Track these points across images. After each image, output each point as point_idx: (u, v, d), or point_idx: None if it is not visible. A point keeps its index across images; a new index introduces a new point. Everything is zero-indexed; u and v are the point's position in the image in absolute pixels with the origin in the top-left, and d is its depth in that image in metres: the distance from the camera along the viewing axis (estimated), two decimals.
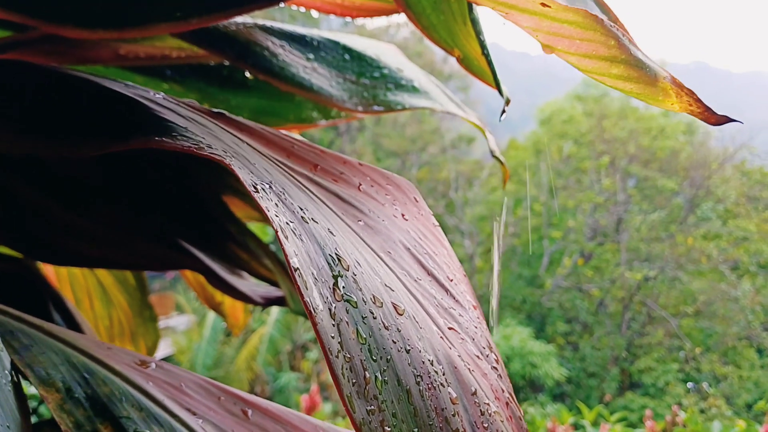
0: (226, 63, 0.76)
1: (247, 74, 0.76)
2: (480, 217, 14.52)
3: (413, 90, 0.73)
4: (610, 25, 0.34)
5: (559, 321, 13.50)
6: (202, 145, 0.35)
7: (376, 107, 0.70)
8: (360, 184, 0.46)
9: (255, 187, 0.33)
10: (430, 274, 0.42)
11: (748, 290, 13.81)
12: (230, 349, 8.75)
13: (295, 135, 1.05)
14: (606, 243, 14.37)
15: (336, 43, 0.73)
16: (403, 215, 0.46)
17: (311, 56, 0.70)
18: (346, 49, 0.73)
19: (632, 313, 13.98)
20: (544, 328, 13.61)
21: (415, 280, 0.40)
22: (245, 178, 0.33)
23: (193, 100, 0.48)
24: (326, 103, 0.68)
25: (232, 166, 0.33)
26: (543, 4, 0.33)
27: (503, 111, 0.62)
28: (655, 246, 14.05)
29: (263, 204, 0.32)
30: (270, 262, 0.88)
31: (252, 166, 0.37)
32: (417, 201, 0.49)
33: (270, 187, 0.35)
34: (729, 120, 0.41)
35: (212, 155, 0.33)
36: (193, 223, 0.85)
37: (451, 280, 0.43)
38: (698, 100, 0.39)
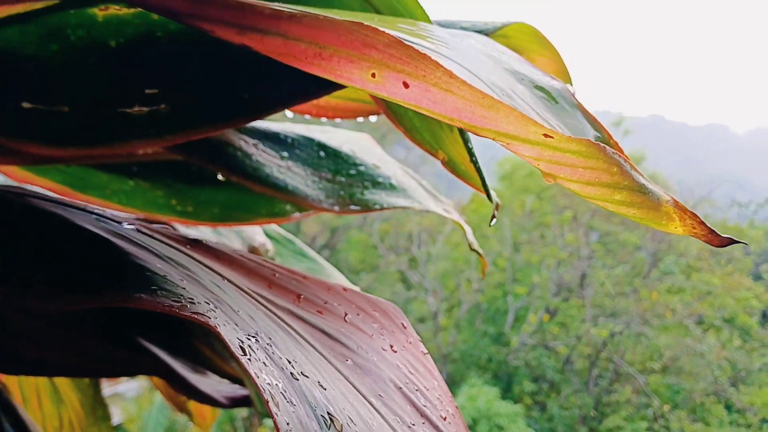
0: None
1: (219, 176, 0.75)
2: (443, 273, 14.57)
3: (390, 188, 0.73)
4: (612, 153, 0.34)
5: (526, 380, 13.46)
6: (183, 301, 0.33)
7: (353, 207, 0.69)
8: (346, 314, 0.44)
9: (242, 349, 0.31)
10: (423, 415, 0.41)
11: (714, 345, 14.03)
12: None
13: (279, 227, 1.04)
14: (571, 298, 14.51)
15: (311, 140, 0.72)
16: (391, 346, 0.44)
17: (285, 154, 0.69)
18: (322, 146, 0.73)
19: (599, 370, 14.05)
20: (511, 387, 13.55)
21: (409, 427, 0.39)
22: (231, 339, 0.31)
23: (168, 227, 0.47)
24: (302, 203, 0.68)
25: (218, 329, 0.31)
26: (546, 135, 0.33)
27: (493, 216, 0.62)
28: (619, 301, 14.24)
29: (251, 370, 0.30)
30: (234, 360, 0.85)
31: (236, 315, 0.35)
32: (405, 327, 0.48)
33: (256, 340, 0.34)
34: (733, 242, 0.42)
35: (195, 316, 0.32)
36: (155, 318, 0.82)
37: (445, 419, 0.42)
38: (701, 223, 0.39)
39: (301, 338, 0.39)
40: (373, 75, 0.33)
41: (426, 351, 0.47)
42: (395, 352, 0.44)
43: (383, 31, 0.31)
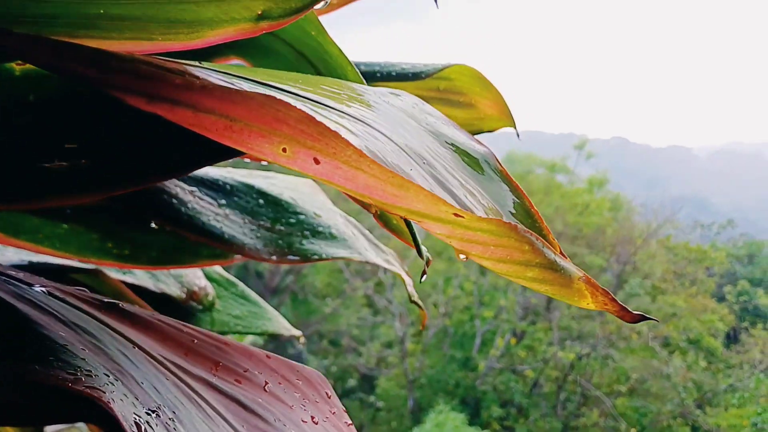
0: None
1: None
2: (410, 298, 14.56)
3: (331, 237, 0.73)
4: (524, 231, 0.34)
5: (494, 405, 13.46)
6: (79, 374, 0.32)
7: (291, 257, 0.68)
8: (266, 383, 0.44)
9: (137, 426, 0.30)
10: None
11: (680, 367, 14.22)
12: None
13: (221, 268, 1.03)
14: (538, 322, 14.60)
15: (251, 187, 0.72)
16: (312, 418, 0.43)
17: (223, 202, 0.68)
18: (262, 194, 0.72)
19: (567, 393, 14.12)
20: (479, 412, 13.54)
21: None
22: (126, 416, 0.30)
23: (83, 290, 0.46)
24: (238, 252, 0.67)
25: (111, 404, 0.30)
26: (456, 215, 0.33)
27: (424, 272, 0.62)
28: (586, 323, 14.37)
29: None
30: None
31: (139, 387, 0.34)
32: (329, 397, 0.48)
33: (158, 415, 0.33)
34: (643, 318, 0.42)
35: (88, 391, 0.31)
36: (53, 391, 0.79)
37: None
38: (613, 300, 0.40)
39: (213, 411, 0.38)
40: (284, 150, 0.33)
41: (350, 422, 0.47)
42: (316, 423, 0.43)
43: (294, 107, 0.31)
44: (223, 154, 0.46)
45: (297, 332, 1.05)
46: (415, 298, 0.75)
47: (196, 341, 0.44)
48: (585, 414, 13.74)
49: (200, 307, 0.89)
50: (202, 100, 0.32)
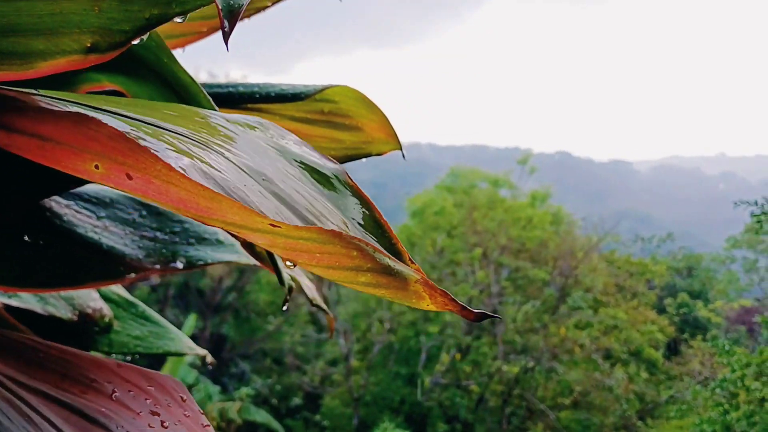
0: None
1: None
2: (354, 314, 14.53)
3: (217, 243, 0.73)
4: (351, 238, 0.35)
5: (439, 421, 13.50)
6: None
7: (175, 264, 0.68)
8: (114, 392, 0.43)
9: None
10: None
11: (621, 378, 14.53)
12: None
13: (122, 288, 1.01)
14: (483, 336, 14.74)
15: (131, 199, 0.71)
16: (162, 423, 0.44)
17: (103, 214, 0.68)
18: (144, 205, 0.72)
19: (512, 407, 14.26)
20: (424, 429, 13.56)
21: None
22: None
23: None
24: (119, 263, 0.66)
25: None
26: (272, 225, 0.34)
27: (286, 299, 0.63)
28: (530, 337, 14.56)
29: None
30: None
31: None
32: (184, 401, 0.48)
33: None
34: (487, 316, 0.44)
35: None
36: None
37: None
38: (453, 300, 0.41)
39: (49, 424, 0.38)
40: (97, 167, 0.33)
41: (207, 423, 0.47)
42: (165, 428, 0.43)
43: (106, 124, 0.31)
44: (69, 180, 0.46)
45: (202, 351, 1.04)
46: (318, 302, 0.76)
47: (41, 354, 0.44)
48: (530, 428, 13.90)
49: (97, 328, 0.87)
50: (14, 120, 0.33)
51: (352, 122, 0.75)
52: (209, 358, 1.11)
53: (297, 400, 15.21)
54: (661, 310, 20.91)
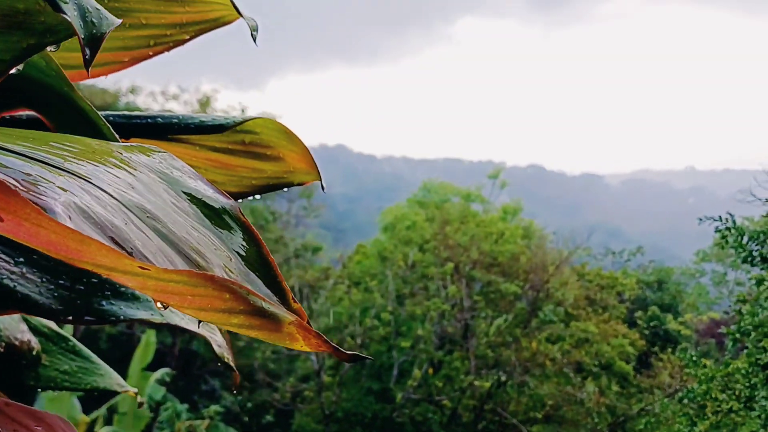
0: None
1: None
2: (326, 330, 14.45)
3: (132, 298, 0.71)
4: (223, 280, 0.35)
5: None
6: None
7: (88, 317, 0.67)
8: None
9: None
10: None
11: (593, 392, 14.64)
12: None
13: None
14: (455, 351, 14.75)
15: None
16: None
17: (21, 260, 0.66)
18: None
19: (485, 422, 14.28)
20: None
21: None
22: None
23: None
24: (34, 312, 0.65)
25: None
26: (142, 267, 0.33)
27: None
28: (502, 351, 14.61)
29: None
30: None
31: None
32: None
33: None
34: (360, 358, 0.44)
35: None
36: None
37: None
38: (326, 342, 0.42)
39: None
40: None
41: None
42: None
43: None
44: None
45: (132, 390, 1.02)
46: (227, 359, 0.74)
47: None
48: None
49: (24, 361, 0.85)
50: None
51: (274, 152, 0.76)
52: (140, 399, 1.09)
53: (269, 418, 15.08)
54: (632, 324, 21.13)
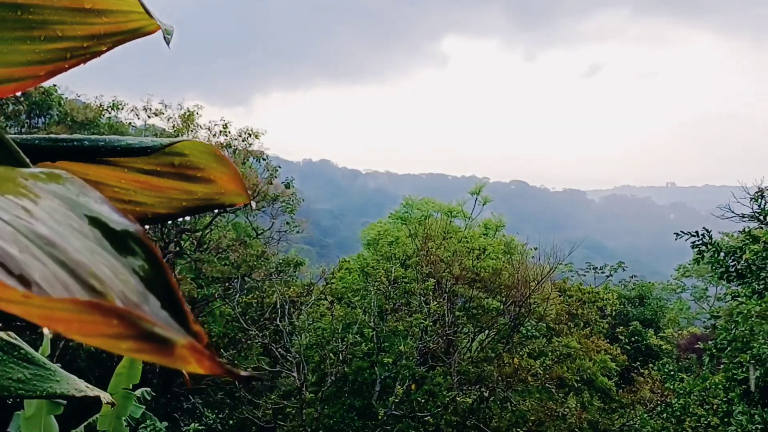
0: None
1: None
2: (308, 345, 14.38)
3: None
4: (110, 307, 0.35)
5: None
6: None
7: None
8: None
9: None
10: None
11: (574, 407, 14.65)
12: None
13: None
14: (437, 367, 14.72)
15: None
16: None
17: None
18: None
19: None
20: None
21: None
22: None
23: None
24: None
25: None
26: (25, 296, 0.33)
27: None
28: (484, 367, 14.59)
29: None
30: None
31: None
32: None
33: None
34: (255, 379, 0.45)
35: None
36: None
37: None
38: (219, 363, 0.42)
39: None
40: None
41: None
42: None
43: None
44: None
45: (93, 393, 1.01)
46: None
47: None
48: None
49: None
50: None
51: (204, 174, 0.77)
52: (107, 398, 1.08)
53: None
54: (614, 339, 21.22)
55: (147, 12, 0.72)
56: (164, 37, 0.73)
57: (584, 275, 27.25)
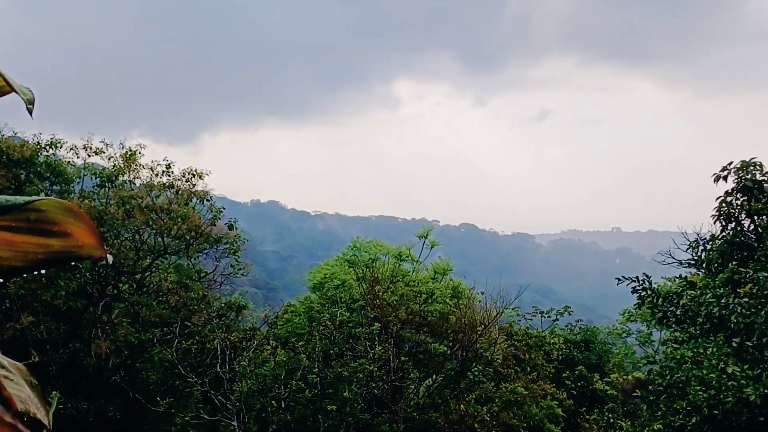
0: None
1: None
2: (249, 392, 14.04)
3: None
4: None
5: None
6: None
7: None
8: None
9: None
10: None
11: None
12: None
13: None
14: (383, 414, 14.53)
15: None
16: None
17: None
18: None
19: None
20: None
21: None
22: None
23: None
24: None
25: None
26: None
27: None
28: (431, 414, 14.48)
29: None
30: None
31: None
32: None
33: None
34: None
35: None
36: None
37: None
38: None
39: None
40: None
41: None
42: None
43: None
44: None
45: None
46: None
47: None
48: None
49: None
50: None
51: (61, 229, 0.81)
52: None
53: None
54: (560, 383, 21.32)
55: (3, 77, 0.74)
56: (27, 108, 0.78)
57: (531, 319, 27.47)
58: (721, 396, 5.87)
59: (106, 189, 17.57)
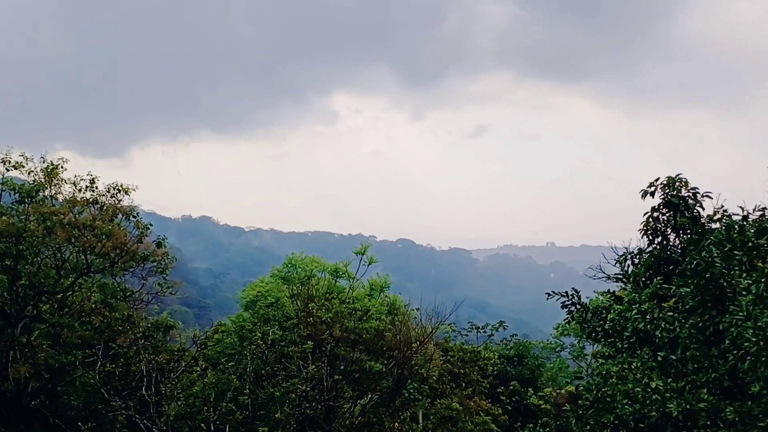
0: None
1: None
2: (177, 416, 13.69)
3: None
4: None
5: None
6: None
7: None
8: None
9: None
10: None
11: None
12: None
13: None
14: None
15: None
16: None
17: None
18: None
19: None
20: None
21: None
22: None
23: None
24: None
25: None
26: None
27: None
28: None
29: None
30: None
31: None
32: None
33: None
34: None
35: None
36: None
37: None
38: None
39: None
40: None
41: None
42: None
43: None
44: None
45: None
46: None
47: None
48: None
49: None
50: None
51: None
52: None
53: None
54: (495, 398, 21.57)
55: None
56: None
57: (467, 335, 27.78)
58: (646, 410, 6.07)
59: (26, 205, 16.92)
